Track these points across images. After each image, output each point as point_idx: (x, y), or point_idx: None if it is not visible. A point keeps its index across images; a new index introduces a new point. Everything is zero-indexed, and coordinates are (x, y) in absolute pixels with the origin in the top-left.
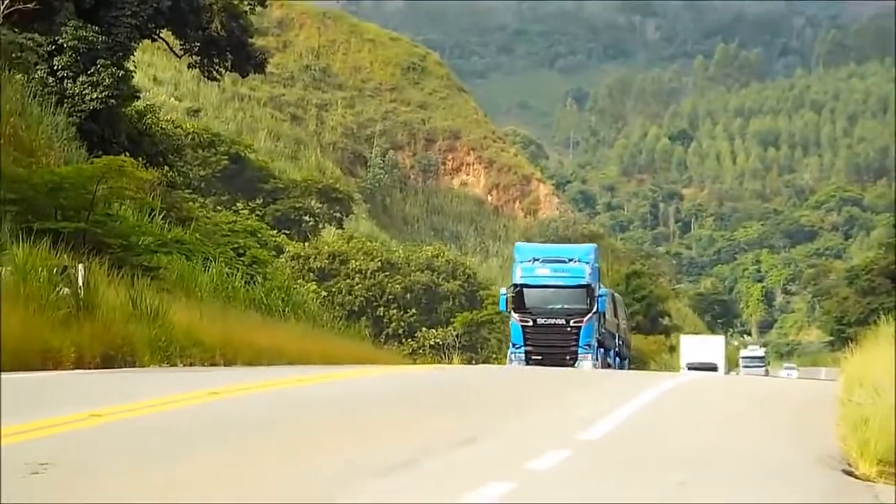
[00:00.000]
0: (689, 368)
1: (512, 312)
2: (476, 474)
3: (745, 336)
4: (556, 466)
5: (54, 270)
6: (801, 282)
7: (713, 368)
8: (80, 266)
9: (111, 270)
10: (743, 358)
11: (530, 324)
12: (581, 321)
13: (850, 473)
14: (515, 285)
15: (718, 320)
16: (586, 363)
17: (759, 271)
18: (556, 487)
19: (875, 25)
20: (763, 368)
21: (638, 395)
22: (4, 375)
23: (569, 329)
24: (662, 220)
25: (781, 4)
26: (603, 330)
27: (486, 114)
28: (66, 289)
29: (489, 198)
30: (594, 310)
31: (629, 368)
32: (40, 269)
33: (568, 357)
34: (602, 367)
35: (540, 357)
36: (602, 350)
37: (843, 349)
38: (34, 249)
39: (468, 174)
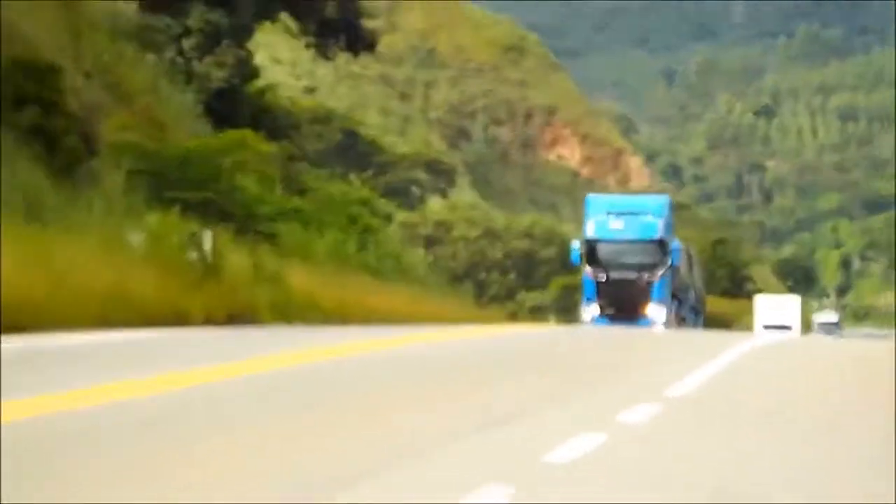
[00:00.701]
0: (765, 328)
1: (585, 267)
2: (568, 429)
3: (823, 298)
4: (647, 421)
5: (184, 237)
6: (878, 249)
7: (788, 328)
8: (208, 233)
9: (235, 237)
10: (819, 324)
11: (604, 279)
12: (654, 276)
13: None
14: (588, 240)
15: (800, 284)
16: (660, 318)
17: (837, 239)
18: (646, 440)
19: None
20: (837, 333)
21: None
22: (140, 333)
23: (642, 284)
24: (746, 191)
25: None
26: (677, 284)
27: (582, 90)
28: (195, 254)
29: (583, 170)
30: (668, 264)
31: (702, 321)
32: (171, 235)
33: (642, 307)
34: (676, 322)
35: (613, 311)
36: (677, 303)
37: None
38: (166, 218)
39: (564, 148)
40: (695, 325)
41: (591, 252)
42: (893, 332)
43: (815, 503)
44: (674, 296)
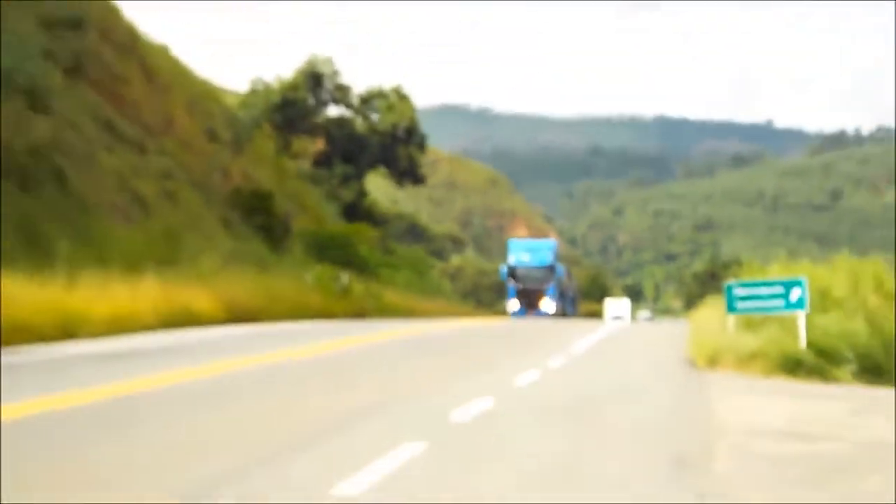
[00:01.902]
0: (612, 318)
1: (509, 280)
2: (472, 392)
3: (640, 300)
4: (563, 361)
5: (333, 276)
6: (672, 280)
7: (622, 318)
8: (345, 274)
9: (357, 276)
10: (642, 317)
11: (520, 287)
12: (547, 285)
13: (693, 364)
14: (510, 266)
15: (633, 296)
16: (551, 309)
17: (653, 275)
18: (567, 368)
19: None
20: (651, 321)
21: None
22: (311, 323)
23: (540, 289)
24: (606, 251)
25: None
26: (560, 288)
27: (528, 203)
28: (338, 284)
29: None
30: (554, 278)
31: (576, 310)
32: (326, 275)
33: (540, 303)
34: (560, 309)
35: (525, 305)
36: (560, 299)
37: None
38: (324, 267)
39: (520, 229)
40: (573, 314)
41: (511, 272)
42: (673, 319)
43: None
44: (560, 296)
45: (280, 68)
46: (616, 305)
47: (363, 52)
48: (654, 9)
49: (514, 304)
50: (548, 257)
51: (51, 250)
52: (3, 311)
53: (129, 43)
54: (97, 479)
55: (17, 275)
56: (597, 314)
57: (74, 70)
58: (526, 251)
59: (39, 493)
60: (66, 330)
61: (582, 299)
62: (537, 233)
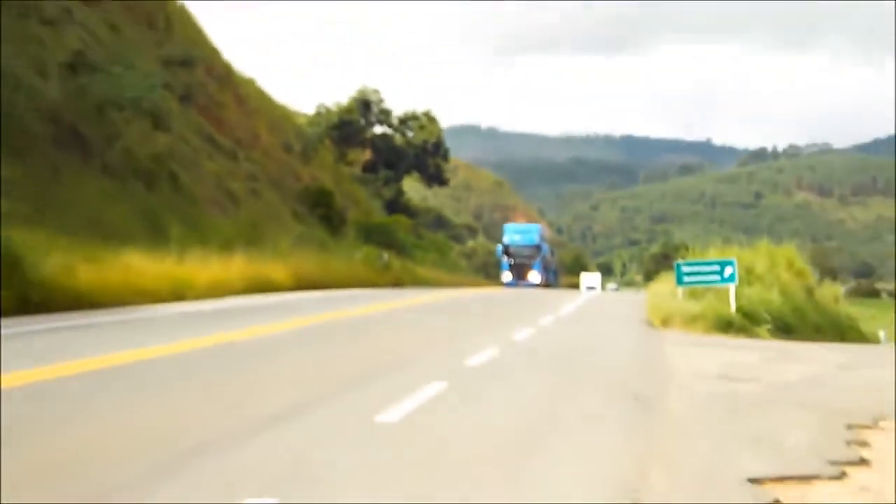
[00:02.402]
0: (586, 288)
1: (503, 257)
2: (482, 344)
3: (611, 275)
4: (552, 320)
5: (377, 255)
6: (635, 261)
7: (595, 288)
8: (385, 254)
9: (396, 255)
10: (609, 288)
11: (511, 262)
12: (533, 260)
13: (650, 324)
14: (504, 244)
15: (605, 272)
16: (537, 279)
17: (621, 256)
18: (556, 326)
19: None
20: (617, 291)
21: (573, 300)
22: (359, 290)
23: (528, 264)
24: (585, 237)
25: None
26: (545, 263)
27: (525, 200)
28: (381, 261)
29: None
30: (540, 255)
31: (558, 282)
32: (372, 254)
33: (528, 275)
34: (544, 281)
35: (516, 277)
36: (545, 272)
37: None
38: (370, 248)
39: (520, 218)
40: (555, 284)
41: (505, 249)
42: (635, 290)
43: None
44: (545, 270)
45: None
46: (590, 278)
47: (402, 85)
48: (625, 53)
49: (506, 276)
50: (534, 238)
51: (166, 234)
52: (130, 280)
53: (226, 77)
54: (237, 394)
55: (142, 252)
56: (576, 285)
57: (185, 98)
58: (517, 233)
59: (206, 404)
60: (177, 294)
61: (565, 273)
62: (532, 222)
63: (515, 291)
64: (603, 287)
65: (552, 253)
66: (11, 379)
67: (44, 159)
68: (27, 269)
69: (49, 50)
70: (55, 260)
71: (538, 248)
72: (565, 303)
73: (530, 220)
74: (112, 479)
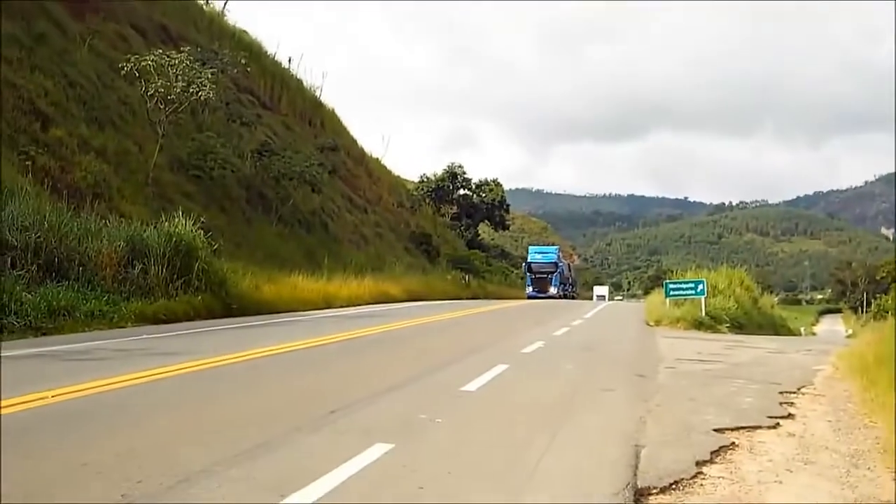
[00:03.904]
0: (597, 297)
1: (527, 273)
2: (532, 338)
3: (620, 290)
4: (579, 322)
5: (461, 277)
6: (638, 282)
7: (604, 298)
8: (466, 276)
9: (475, 276)
10: (616, 299)
11: (533, 277)
12: (552, 276)
13: (648, 323)
14: (528, 262)
15: (615, 288)
16: (554, 291)
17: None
18: (581, 328)
19: None
20: (622, 301)
21: (589, 309)
22: (447, 301)
23: (547, 279)
24: (599, 263)
25: None
26: (562, 279)
27: (562, 238)
28: (464, 281)
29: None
30: (558, 271)
31: (575, 295)
32: (458, 276)
33: (547, 288)
34: (560, 292)
35: (537, 290)
36: (562, 286)
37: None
38: (455, 273)
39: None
40: (572, 297)
41: (528, 267)
42: (637, 301)
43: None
44: (562, 284)
45: None
46: (600, 289)
47: (478, 161)
48: (627, 138)
49: (529, 289)
50: (553, 257)
51: (319, 263)
52: (296, 294)
53: (360, 157)
54: (366, 370)
55: (304, 275)
56: (586, 296)
57: (333, 172)
58: (538, 253)
59: (343, 377)
60: (327, 303)
61: (587, 288)
62: (566, 255)
63: (551, 302)
64: (611, 297)
65: (570, 269)
66: (245, 356)
67: (240, 213)
68: (229, 287)
69: (245, 141)
70: (247, 281)
71: (556, 265)
72: (589, 309)
73: (564, 255)
74: (294, 421)
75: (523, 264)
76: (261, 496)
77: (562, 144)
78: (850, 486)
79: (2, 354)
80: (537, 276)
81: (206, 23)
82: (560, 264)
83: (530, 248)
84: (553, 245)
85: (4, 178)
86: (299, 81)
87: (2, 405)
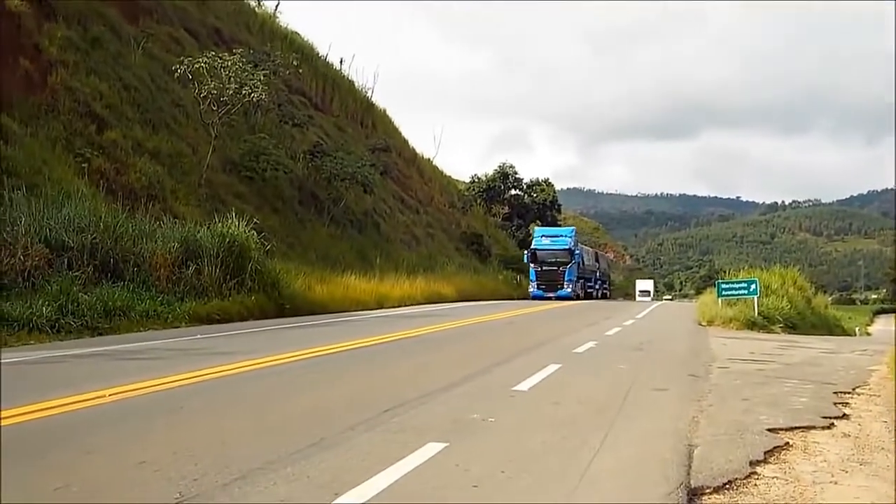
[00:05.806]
0: (639, 292)
1: (530, 263)
2: (584, 338)
3: (672, 290)
4: (632, 322)
5: (512, 277)
6: (691, 282)
7: (649, 294)
8: (518, 276)
9: (525, 277)
10: (665, 298)
11: (539, 269)
12: (565, 267)
13: (700, 323)
14: (532, 249)
15: (667, 288)
16: (568, 289)
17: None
18: (634, 327)
19: None
20: (672, 301)
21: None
22: (500, 301)
23: (559, 271)
24: (649, 260)
25: None
26: (580, 272)
27: (611, 237)
28: (515, 281)
29: (609, 253)
30: (572, 261)
31: (609, 291)
32: (509, 277)
33: (558, 285)
34: (583, 293)
35: (544, 287)
36: (582, 282)
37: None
38: (507, 272)
39: (609, 252)
40: (602, 293)
41: (533, 255)
42: (689, 301)
43: (681, 342)
44: (580, 278)
45: None
46: (644, 283)
47: (530, 161)
48: (678, 138)
49: (533, 286)
50: (566, 242)
51: (372, 263)
52: (348, 294)
53: (412, 158)
54: (418, 370)
55: (356, 275)
56: (626, 291)
57: (385, 172)
58: (547, 236)
59: (402, 376)
60: (379, 303)
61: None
62: (618, 256)
63: (599, 303)
64: (656, 296)
65: (598, 259)
66: (298, 355)
67: (293, 214)
68: (282, 287)
69: (297, 142)
70: (300, 281)
71: (570, 252)
72: (640, 310)
73: (616, 255)
74: (348, 420)
75: (525, 253)
76: (316, 494)
77: (613, 144)
78: None
79: (13, 360)
80: (544, 267)
81: (259, 25)
82: (577, 252)
83: (536, 229)
84: (567, 227)
85: (61, 181)
86: (351, 83)
87: (2, 413)
